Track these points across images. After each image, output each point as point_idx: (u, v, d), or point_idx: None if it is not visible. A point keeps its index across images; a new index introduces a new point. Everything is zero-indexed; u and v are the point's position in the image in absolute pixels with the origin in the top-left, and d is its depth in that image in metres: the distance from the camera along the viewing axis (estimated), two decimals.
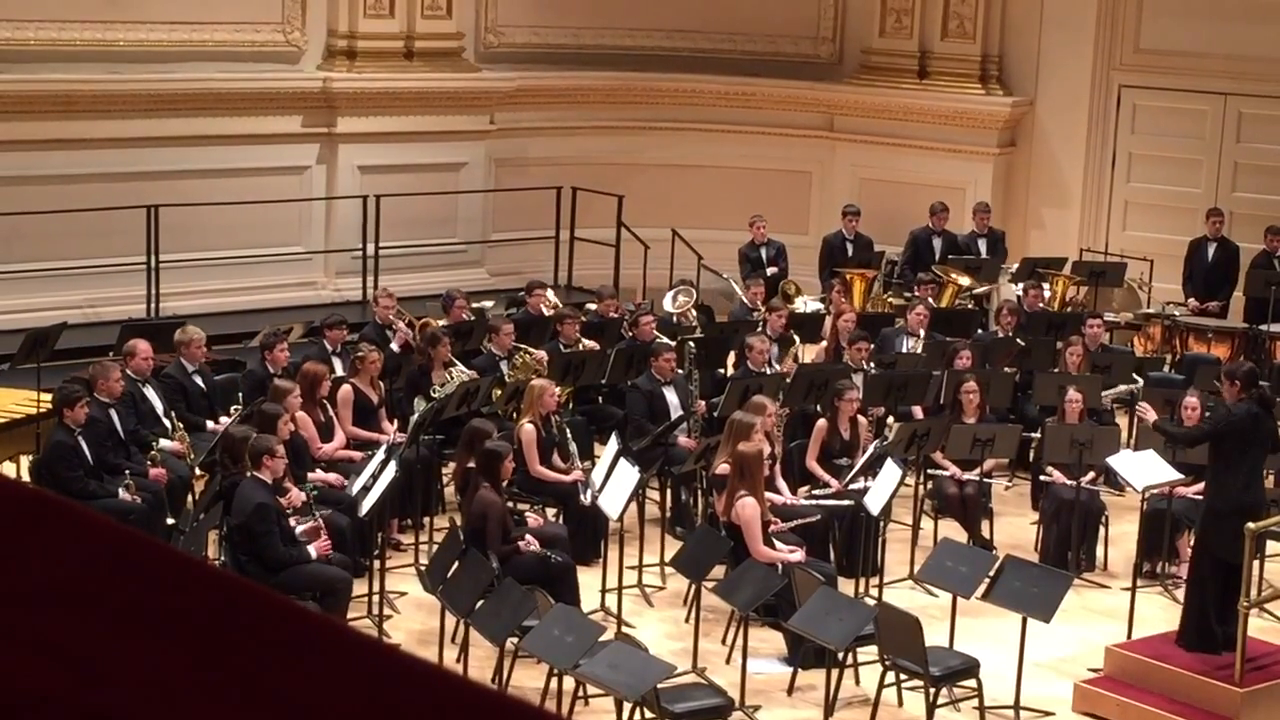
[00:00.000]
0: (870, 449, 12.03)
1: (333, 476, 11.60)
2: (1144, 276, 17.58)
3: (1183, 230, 17.68)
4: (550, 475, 11.97)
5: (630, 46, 19.60)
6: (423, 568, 11.01)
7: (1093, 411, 13.12)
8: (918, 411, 13.51)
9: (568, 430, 12.42)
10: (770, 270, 17.31)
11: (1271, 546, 11.66)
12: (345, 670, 1.79)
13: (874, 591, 11.32)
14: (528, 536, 10.82)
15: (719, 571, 10.85)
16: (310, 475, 11.30)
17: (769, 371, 13.46)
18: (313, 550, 10.35)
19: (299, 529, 10.46)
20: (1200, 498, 11.09)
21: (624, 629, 10.57)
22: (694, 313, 15.78)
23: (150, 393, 12.18)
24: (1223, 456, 10.33)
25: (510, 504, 11.20)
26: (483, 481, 10.67)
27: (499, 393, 13.01)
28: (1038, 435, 13.04)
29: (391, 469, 10.74)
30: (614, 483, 10.97)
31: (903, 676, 9.76)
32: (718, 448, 11.43)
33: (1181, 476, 11.47)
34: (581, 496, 11.66)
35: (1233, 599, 10.10)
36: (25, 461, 12.14)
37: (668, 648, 10.46)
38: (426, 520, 12.30)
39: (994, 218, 17.99)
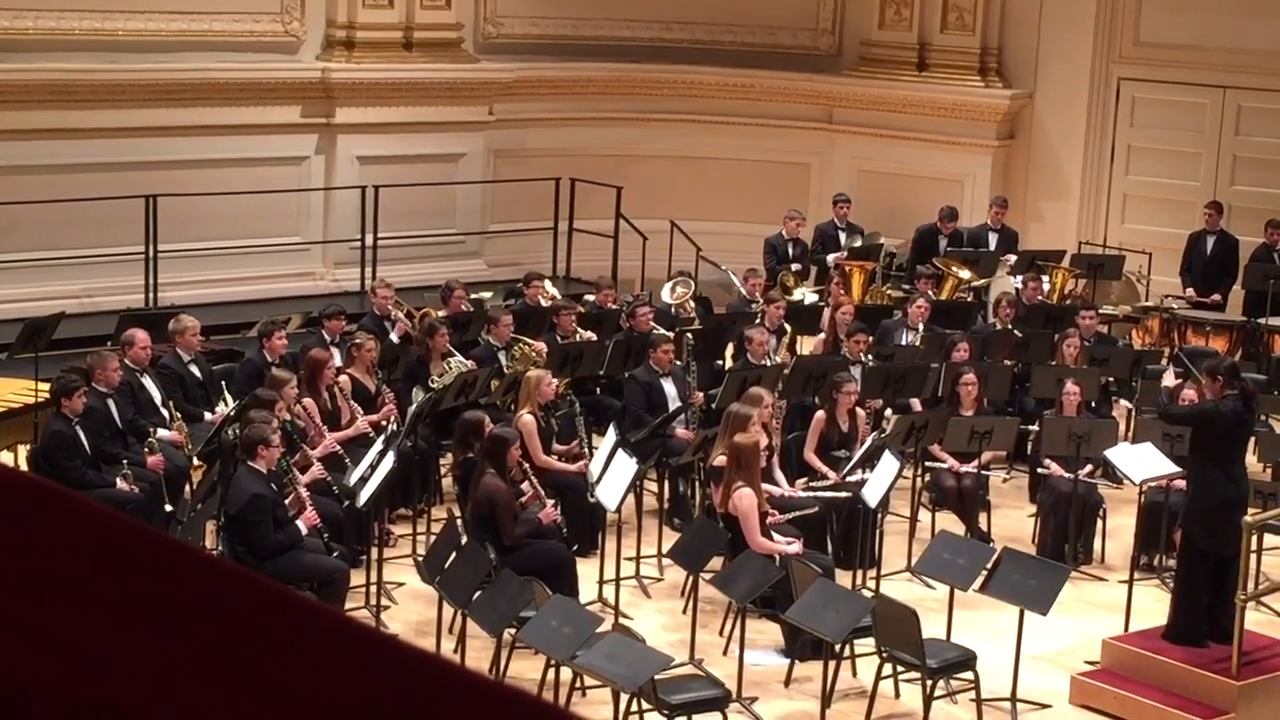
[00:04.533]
0: (868, 441, 12.03)
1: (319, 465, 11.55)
2: (1142, 269, 17.59)
3: (1181, 223, 17.68)
4: (553, 466, 11.96)
5: (629, 38, 19.59)
6: (420, 558, 11.01)
7: (1090, 404, 13.13)
8: (916, 404, 13.52)
9: (578, 414, 12.41)
10: (795, 266, 17.31)
11: (1269, 540, 11.66)
12: (343, 660, 1.79)
13: (871, 583, 11.33)
14: (548, 508, 10.84)
15: (716, 563, 10.85)
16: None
17: (768, 363, 13.46)
18: (302, 525, 10.35)
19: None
20: None
21: (621, 620, 10.58)
22: (692, 304, 15.78)
23: (148, 382, 12.18)
24: (1204, 452, 10.35)
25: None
26: (488, 467, 10.66)
27: (497, 384, 13.01)
28: (1035, 428, 13.05)
29: (389, 460, 10.73)
30: (612, 474, 10.98)
31: (900, 668, 9.77)
32: (715, 439, 11.44)
33: (1179, 469, 11.47)
34: (589, 494, 11.65)
35: (1223, 592, 10.11)
36: (23, 451, 12.14)
37: (665, 639, 10.47)
38: (424, 511, 12.31)
39: (989, 210, 17.97)
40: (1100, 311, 15.79)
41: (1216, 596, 10.22)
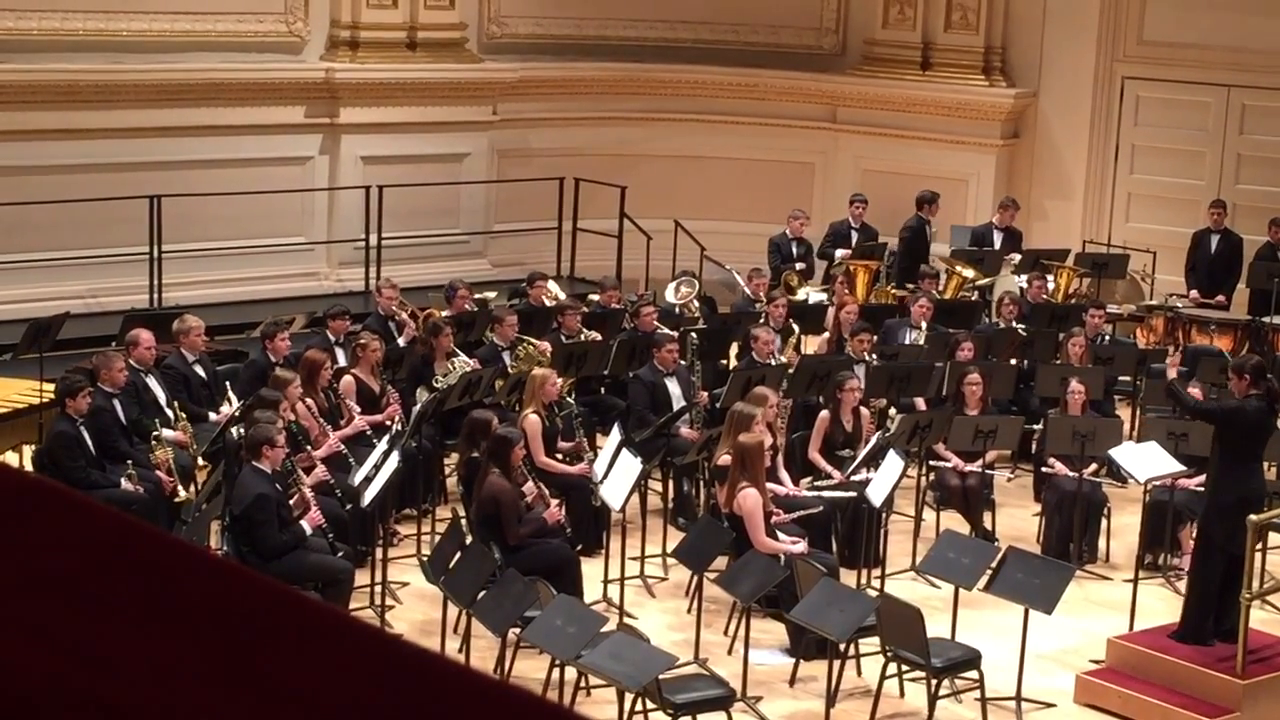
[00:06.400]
0: (872, 440, 12.03)
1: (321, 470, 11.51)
2: (1147, 268, 17.59)
3: (1186, 222, 17.67)
4: (557, 467, 11.97)
5: (633, 37, 19.59)
6: (425, 558, 11.02)
7: (1095, 403, 13.13)
8: (920, 403, 13.51)
9: (576, 417, 12.41)
10: (799, 266, 17.32)
11: (1273, 538, 11.64)
12: (347, 660, 1.80)
13: (876, 583, 11.32)
14: (552, 508, 10.86)
15: (721, 562, 10.86)
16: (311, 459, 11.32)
17: (773, 363, 13.46)
18: (306, 526, 10.36)
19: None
20: (1202, 489, 11.09)
21: (626, 620, 10.59)
22: (696, 304, 15.77)
23: (153, 383, 12.19)
24: (1228, 450, 10.31)
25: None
26: (492, 467, 10.67)
27: (501, 384, 13.01)
28: (1040, 427, 13.04)
29: (394, 460, 10.74)
30: (616, 474, 10.98)
31: (904, 668, 9.77)
32: (719, 439, 11.44)
33: (1183, 468, 11.47)
34: (593, 499, 11.66)
35: (1230, 592, 10.10)
36: (28, 451, 12.14)
37: (669, 638, 10.47)
38: (429, 511, 12.31)
39: (996, 210, 17.94)
40: (1105, 310, 15.78)
41: (1223, 596, 10.22)
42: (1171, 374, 11.55)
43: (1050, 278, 16.52)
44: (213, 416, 12.42)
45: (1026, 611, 9.64)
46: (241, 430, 11.04)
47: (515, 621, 9.42)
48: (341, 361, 12.98)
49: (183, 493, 11.38)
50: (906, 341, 14.70)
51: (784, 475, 11.91)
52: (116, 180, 15.90)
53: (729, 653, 10.42)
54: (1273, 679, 10.01)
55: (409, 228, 17.54)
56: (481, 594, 9.61)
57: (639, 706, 8.96)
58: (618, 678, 8.70)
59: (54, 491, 2.15)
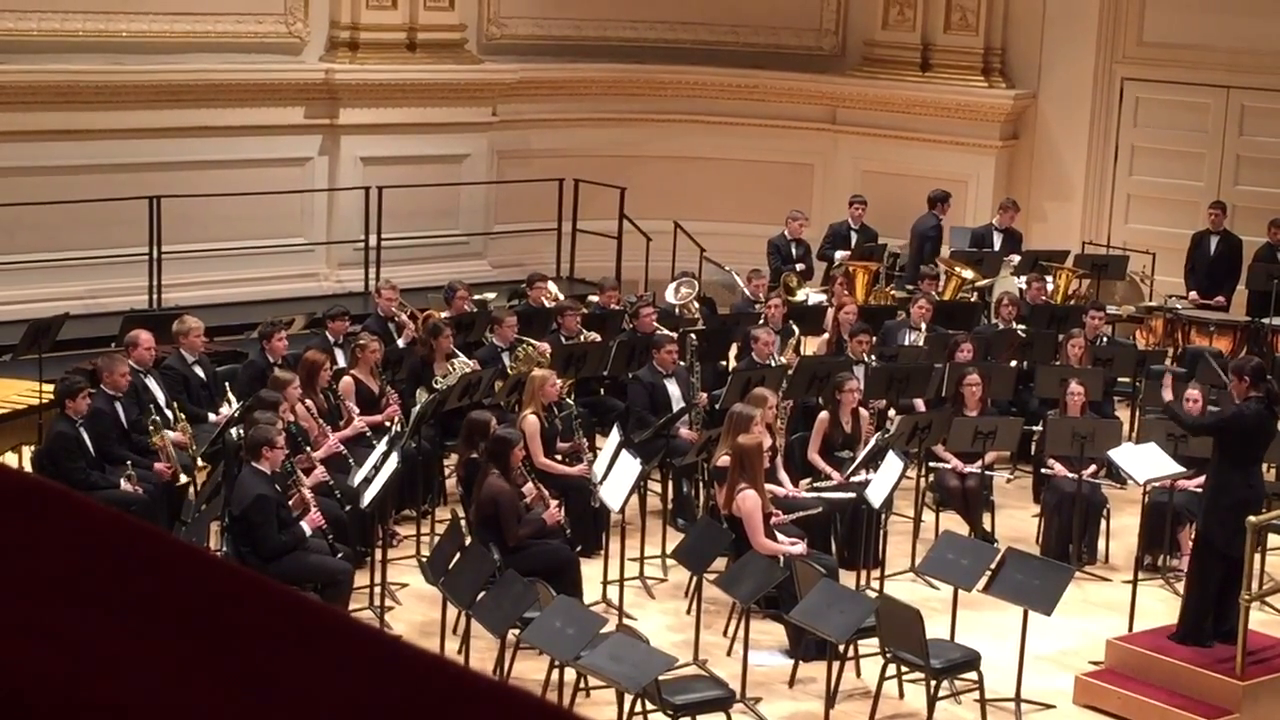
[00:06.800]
0: (872, 441, 12.03)
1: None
2: (1146, 269, 17.59)
3: (1185, 223, 17.68)
4: (556, 468, 11.96)
5: (633, 38, 19.59)
6: (424, 559, 11.02)
7: (1094, 404, 13.13)
8: (919, 404, 13.51)
9: (575, 418, 12.41)
10: (798, 267, 17.33)
11: (1272, 540, 11.65)
12: (347, 660, 1.80)
13: (875, 584, 11.32)
14: (552, 509, 10.86)
15: (720, 564, 10.86)
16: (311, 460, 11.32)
17: (772, 364, 13.46)
18: (306, 526, 10.37)
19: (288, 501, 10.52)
20: (1200, 490, 11.08)
21: (625, 621, 10.58)
22: (696, 305, 15.77)
23: (152, 383, 12.19)
24: (1228, 452, 10.30)
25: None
26: (492, 469, 10.67)
27: (501, 385, 13.01)
28: (1039, 428, 13.04)
29: (394, 461, 10.74)
30: (615, 475, 10.98)
31: (904, 669, 9.77)
32: (719, 440, 11.44)
33: (1183, 469, 11.47)
34: (592, 500, 11.66)
35: (1230, 593, 10.11)
36: (28, 451, 12.14)
37: (669, 639, 10.47)
38: (428, 512, 12.31)
39: (996, 211, 17.94)
40: (1105, 311, 15.78)
41: (1222, 597, 10.22)
42: (1167, 395, 11.50)
43: (1049, 279, 16.51)
44: (212, 417, 12.42)
45: (1026, 613, 9.64)
46: (241, 431, 11.03)
47: (515, 622, 9.42)
48: (341, 362, 12.97)
49: (184, 477, 11.39)
50: (906, 343, 14.70)
51: (783, 476, 11.91)
52: (117, 181, 15.90)
53: (728, 654, 10.42)
54: (1272, 680, 10.01)
55: (409, 229, 17.54)
56: (481, 595, 9.61)
57: (638, 708, 8.96)
58: (617, 679, 8.70)
59: (54, 491, 2.15)
